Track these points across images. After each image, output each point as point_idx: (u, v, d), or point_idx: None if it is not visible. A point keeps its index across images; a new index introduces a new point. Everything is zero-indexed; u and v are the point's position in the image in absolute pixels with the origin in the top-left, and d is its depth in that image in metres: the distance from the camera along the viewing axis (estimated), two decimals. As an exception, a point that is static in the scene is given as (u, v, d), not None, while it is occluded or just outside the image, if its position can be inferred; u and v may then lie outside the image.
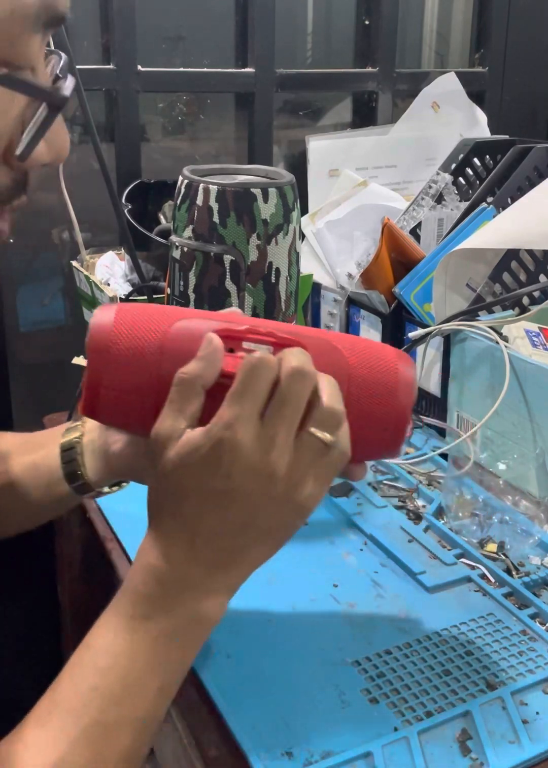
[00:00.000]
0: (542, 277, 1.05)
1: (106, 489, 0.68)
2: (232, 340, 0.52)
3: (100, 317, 0.54)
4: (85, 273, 1.16)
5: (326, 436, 0.50)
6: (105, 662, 0.49)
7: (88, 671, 0.49)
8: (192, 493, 0.50)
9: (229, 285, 0.81)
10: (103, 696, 0.48)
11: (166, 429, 0.50)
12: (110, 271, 1.17)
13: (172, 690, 0.52)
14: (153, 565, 0.51)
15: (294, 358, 0.50)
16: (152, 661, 0.50)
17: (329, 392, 0.51)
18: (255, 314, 0.82)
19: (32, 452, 0.68)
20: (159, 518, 0.52)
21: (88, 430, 0.67)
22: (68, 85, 0.48)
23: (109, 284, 1.14)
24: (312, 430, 0.50)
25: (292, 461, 0.50)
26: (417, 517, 0.86)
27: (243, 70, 1.35)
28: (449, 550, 0.80)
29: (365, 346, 0.55)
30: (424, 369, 1.03)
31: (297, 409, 0.50)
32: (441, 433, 1.02)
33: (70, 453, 0.66)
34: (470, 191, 1.24)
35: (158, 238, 1.11)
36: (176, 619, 0.51)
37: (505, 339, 0.91)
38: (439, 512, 0.86)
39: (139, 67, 1.25)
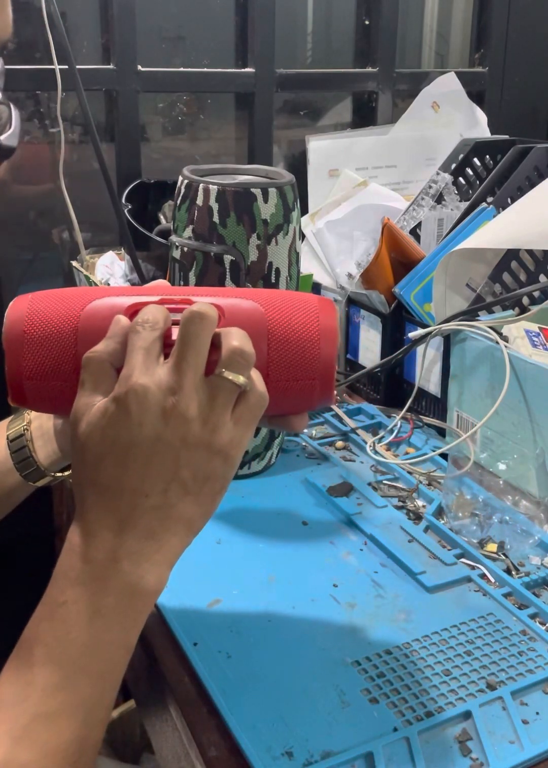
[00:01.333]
0: (542, 277, 1.05)
1: (58, 473, 0.68)
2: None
3: (13, 308, 0.55)
4: (85, 273, 1.16)
5: (237, 377, 0.50)
6: (39, 653, 0.48)
7: (24, 666, 0.48)
8: (107, 456, 0.49)
9: (229, 285, 0.81)
10: (41, 688, 0.47)
11: (79, 407, 0.50)
12: (110, 271, 1.17)
13: (117, 671, 0.50)
14: (78, 544, 0.50)
15: (195, 305, 0.50)
16: (88, 646, 0.48)
17: (235, 334, 0.51)
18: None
19: None
20: (80, 496, 0.51)
21: (35, 416, 0.67)
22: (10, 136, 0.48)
23: (109, 284, 1.14)
24: (222, 371, 0.50)
25: (204, 404, 0.50)
26: (417, 517, 0.86)
27: (243, 70, 1.35)
28: (449, 550, 0.80)
29: (284, 298, 0.55)
30: (424, 369, 1.03)
31: (199, 352, 0.50)
32: (441, 433, 1.02)
33: (19, 441, 0.66)
34: (470, 191, 1.24)
35: (158, 238, 1.11)
36: (109, 597, 0.49)
37: (505, 339, 0.91)
38: (439, 512, 0.86)
39: (139, 67, 1.25)
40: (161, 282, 0.58)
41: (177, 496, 0.50)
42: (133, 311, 0.53)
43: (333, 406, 1.06)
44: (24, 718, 0.47)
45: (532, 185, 1.09)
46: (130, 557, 0.49)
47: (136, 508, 0.49)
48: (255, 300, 0.55)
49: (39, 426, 0.67)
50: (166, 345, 0.51)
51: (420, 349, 1.02)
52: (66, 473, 0.69)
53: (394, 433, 1.02)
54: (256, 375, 0.51)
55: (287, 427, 0.58)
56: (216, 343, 0.51)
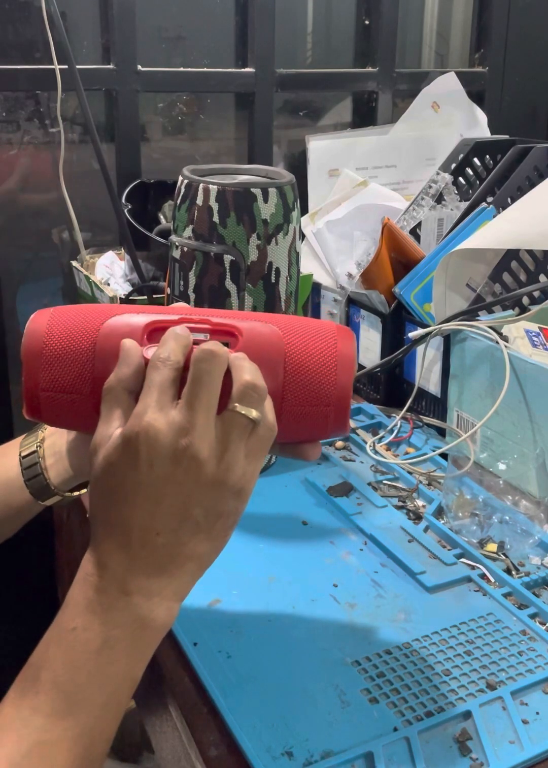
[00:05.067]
0: (542, 277, 1.05)
1: (67, 494, 0.67)
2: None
3: (34, 321, 0.55)
4: (85, 273, 1.16)
5: (250, 411, 0.50)
6: (46, 678, 0.48)
7: (30, 690, 0.48)
8: (119, 492, 0.49)
9: (229, 285, 0.81)
10: (45, 715, 0.47)
11: (98, 438, 0.51)
12: (110, 271, 1.17)
13: (121, 703, 0.50)
14: (90, 574, 0.50)
15: (205, 345, 0.50)
16: (95, 675, 0.48)
17: (247, 368, 0.51)
18: (255, 314, 0.82)
19: None
20: (94, 527, 0.51)
21: (49, 433, 0.67)
22: None
23: (109, 284, 1.14)
24: (235, 406, 0.50)
25: (217, 443, 0.49)
26: (417, 517, 0.86)
27: (243, 70, 1.35)
28: (449, 550, 0.80)
29: (302, 323, 0.55)
30: (424, 369, 1.03)
31: (211, 390, 0.49)
32: (441, 433, 1.02)
33: (31, 458, 0.65)
34: (470, 191, 1.24)
35: (158, 238, 1.11)
36: (118, 629, 0.49)
37: (505, 339, 0.91)
38: (439, 512, 0.86)
39: (139, 67, 1.25)
40: (181, 305, 0.58)
41: (188, 533, 0.50)
42: (150, 329, 0.53)
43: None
44: (25, 744, 0.46)
45: (532, 185, 1.09)
46: (141, 591, 0.50)
47: (146, 545, 0.50)
48: (273, 324, 0.54)
49: (52, 444, 0.66)
50: (185, 367, 0.51)
51: (420, 349, 1.02)
52: (75, 493, 0.69)
53: (394, 433, 1.02)
54: (267, 405, 0.51)
55: (300, 455, 0.57)
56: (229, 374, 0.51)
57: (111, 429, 0.50)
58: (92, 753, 0.48)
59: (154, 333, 0.53)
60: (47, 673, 0.48)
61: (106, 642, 0.49)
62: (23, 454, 0.66)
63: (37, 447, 0.66)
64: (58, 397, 0.54)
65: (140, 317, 0.54)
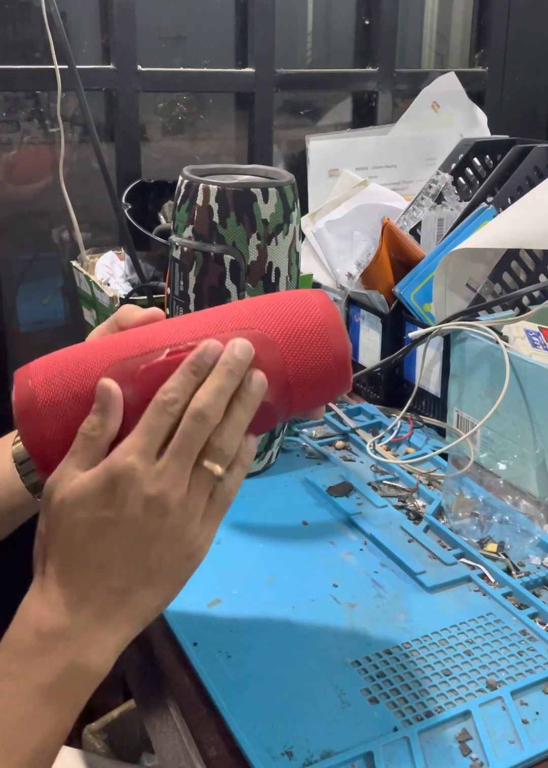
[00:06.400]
0: (542, 277, 1.05)
1: None
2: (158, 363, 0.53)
3: (18, 382, 0.54)
4: (85, 273, 1.16)
5: (216, 467, 0.51)
6: None
7: None
8: (83, 526, 0.49)
9: (229, 285, 0.81)
10: None
11: (63, 475, 0.51)
12: (110, 271, 1.17)
13: (51, 752, 0.50)
14: (33, 615, 0.50)
15: (199, 401, 0.50)
16: (27, 720, 0.48)
17: (228, 433, 0.51)
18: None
19: None
20: (43, 561, 0.51)
21: None
22: None
23: (109, 284, 1.14)
24: (205, 462, 0.51)
25: (185, 497, 0.50)
26: (417, 517, 0.86)
27: (243, 70, 1.35)
28: (449, 550, 0.80)
29: (285, 312, 0.56)
30: (424, 369, 1.03)
31: (196, 447, 0.51)
32: (441, 433, 1.02)
33: (27, 465, 0.64)
34: (470, 191, 1.24)
35: (158, 238, 1.11)
36: (54, 675, 0.49)
37: (505, 339, 0.91)
38: (439, 512, 0.86)
39: (139, 67, 1.25)
40: (155, 312, 0.57)
41: (141, 583, 0.51)
42: (147, 374, 0.53)
43: (333, 406, 1.06)
44: None
45: (532, 185, 1.09)
46: (81, 637, 0.49)
47: (97, 585, 0.50)
48: (255, 317, 0.55)
49: None
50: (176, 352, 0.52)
51: (420, 349, 1.02)
52: None
53: (394, 433, 1.02)
54: (236, 472, 0.53)
55: (310, 416, 0.60)
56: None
57: (77, 471, 0.50)
58: None
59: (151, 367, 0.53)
60: None
61: (38, 687, 0.48)
62: (19, 459, 0.64)
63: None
64: (56, 449, 0.53)
65: (134, 361, 0.53)
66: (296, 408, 0.57)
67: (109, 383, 0.51)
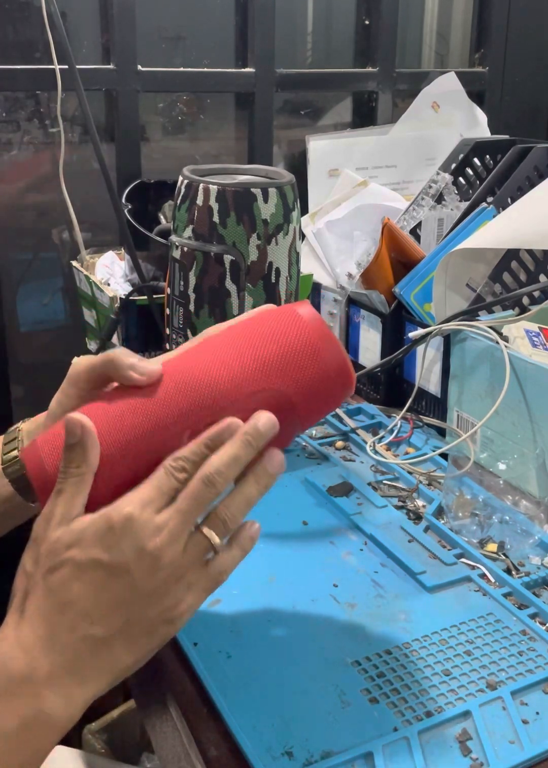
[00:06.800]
0: (542, 277, 1.05)
1: None
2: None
3: (29, 459, 0.54)
4: (85, 273, 1.16)
5: (214, 536, 0.51)
6: None
7: None
8: (70, 565, 0.49)
9: (229, 285, 0.81)
10: None
11: (49, 513, 0.51)
12: (110, 271, 1.17)
13: None
14: (4, 653, 0.49)
15: (211, 466, 0.51)
16: None
17: (235, 506, 0.52)
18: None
19: None
20: (23, 596, 0.50)
21: (27, 435, 0.64)
22: None
23: (109, 284, 1.14)
24: (205, 529, 0.51)
25: (179, 557, 0.50)
26: (417, 517, 0.86)
27: (243, 70, 1.35)
28: (449, 550, 0.80)
29: (288, 353, 0.55)
30: (424, 369, 1.03)
31: (198, 510, 0.51)
32: (441, 433, 1.02)
33: (19, 478, 0.63)
34: (470, 191, 1.24)
35: (158, 238, 1.11)
36: (17, 720, 0.48)
37: (505, 339, 0.91)
38: (439, 512, 0.86)
39: (139, 67, 1.25)
40: (155, 367, 0.55)
41: (118, 636, 0.50)
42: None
43: (333, 406, 1.06)
44: None
45: (532, 185, 1.09)
46: (50, 684, 0.49)
47: (76, 629, 0.49)
48: (264, 370, 0.54)
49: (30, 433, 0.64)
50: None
51: (420, 349, 1.02)
52: None
53: (394, 433, 1.02)
54: (233, 552, 0.53)
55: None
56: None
57: (70, 509, 0.50)
58: None
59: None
60: None
61: (0, 732, 0.48)
62: (12, 476, 0.63)
63: (17, 448, 0.64)
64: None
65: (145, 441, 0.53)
66: (305, 428, 0.58)
67: (79, 417, 0.51)
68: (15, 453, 0.62)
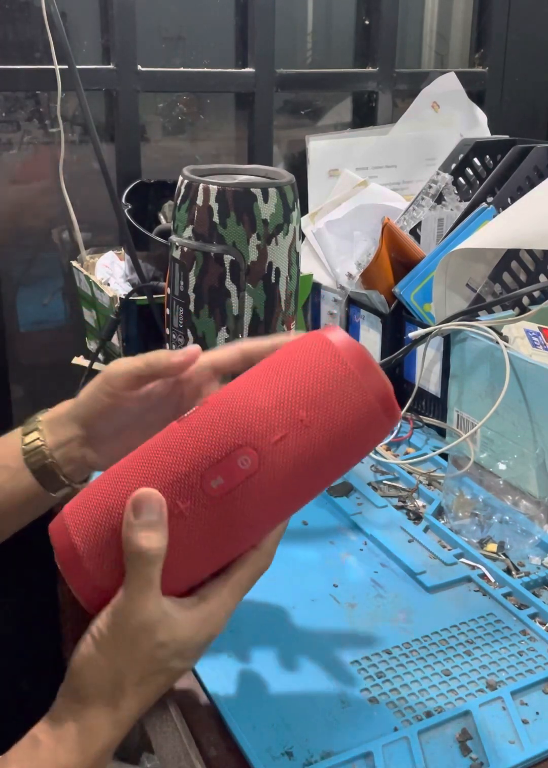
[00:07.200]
0: (542, 277, 1.05)
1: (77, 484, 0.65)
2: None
3: (55, 533, 0.52)
4: (85, 273, 1.16)
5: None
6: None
7: None
8: (167, 676, 0.50)
9: (229, 285, 0.81)
10: None
11: (154, 611, 0.50)
12: (110, 271, 1.17)
13: None
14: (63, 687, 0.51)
15: (254, 567, 0.53)
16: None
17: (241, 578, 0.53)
18: (255, 314, 0.82)
19: None
20: (113, 696, 0.50)
21: (50, 430, 0.62)
22: None
23: (109, 284, 1.14)
24: None
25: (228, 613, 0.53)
26: (417, 517, 0.86)
27: (243, 70, 1.35)
28: (449, 550, 0.80)
29: (305, 379, 0.50)
30: (424, 369, 1.03)
31: (244, 593, 0.54)
32: (441, 433, 1.02)
33: (36, 453, 0.62)
34: (470, 191, 1.24)
35: (158, 238, 1.11)
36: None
37: (505, 339, 0.91)
38: (439, 512, 0.86)
39: (139, 67, 1.25)
40: (192, 347, 0.56)
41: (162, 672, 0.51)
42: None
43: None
44: None
45: (532, 185, 1.09)
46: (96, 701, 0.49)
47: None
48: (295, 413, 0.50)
49: (63, 452, 0.62)
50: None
51: (420, 349, 1.02)
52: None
53: (394, 433, 1.02)
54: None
55: None
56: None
57: (166, 604, 0.50)
58: None
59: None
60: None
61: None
62: (34, 467, 0.62)
63: (39, 442, 0.62)
64: (107, 586, 0.51)
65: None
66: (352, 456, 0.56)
67: (151, 492, 0.49)
68: (37, 442, 0.62)
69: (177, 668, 0.51)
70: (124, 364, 0.58)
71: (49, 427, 0.63)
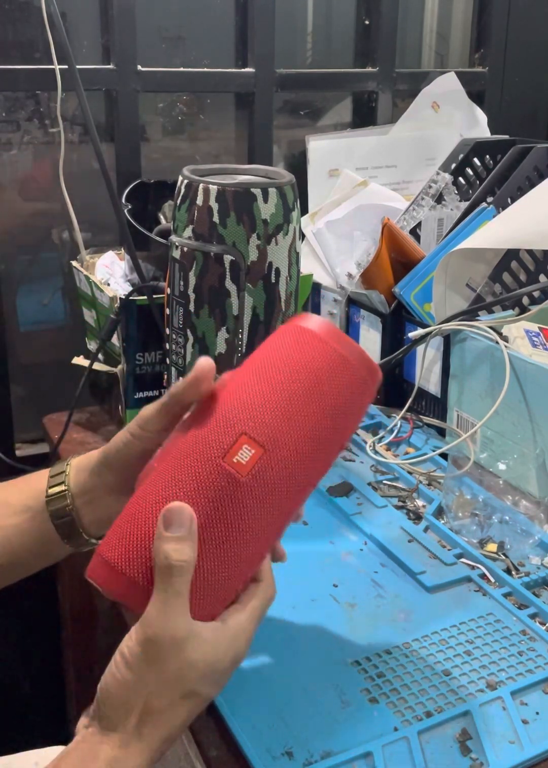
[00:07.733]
0: (542, 277, 1.05)
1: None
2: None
3: (95, 573, 0.53)
4: (85, 273, 1.16)
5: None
6: None
7: None
8: (196, 701, 0.51)
9: (229, 285, 0.81)
10: None
11: (182, 630, 0.50)
12: (110, 271, 1.17)
13: None
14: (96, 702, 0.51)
15: (265, 596, 0.55)
16: None
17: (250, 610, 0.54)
18: (255, 314, 0.82)
19: (10, 517, 0.63)
20: (137, 726, 0.50)
21: (75, 481, 0.62)
22: None
23: (109, 284, 1.14)
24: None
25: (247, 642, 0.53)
26: (417, 517, 0.86)
27: (243, 70, 1.35)
28: (449, 550, 0.80)
29: (301, 371, 0.55)
30: (424, 369, 1.03)
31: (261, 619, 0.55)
32: (441, 433, 1.02)
33: (59, 504, 0.62)
34: (470, 191, 1.24)
35: (158, 238, 1.11)
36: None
37: (505, 339, 0.91)
38: (439, 512, 0.86)
39: (139, 67, 1.25)
40: (206, 360, 0.55)
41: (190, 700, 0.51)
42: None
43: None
44: None
45: (532, 185, 1.09)
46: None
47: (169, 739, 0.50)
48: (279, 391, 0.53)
49: (86, 502, 0.62)
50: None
51: (420, 349, 1.02)
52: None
53: (394, 433, 1.02)
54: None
55: None
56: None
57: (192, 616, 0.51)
58: None
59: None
60: None
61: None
62: (57, 515, 0.61)
63: (65, 492, 0.62)
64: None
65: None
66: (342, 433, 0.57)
67: (182, 506, 0.50)
68: (61, 487, 0.62)
69: (203, 694, 0.50)
70: (152, 407, 0.58)
71: (76, 472, 0.63)
